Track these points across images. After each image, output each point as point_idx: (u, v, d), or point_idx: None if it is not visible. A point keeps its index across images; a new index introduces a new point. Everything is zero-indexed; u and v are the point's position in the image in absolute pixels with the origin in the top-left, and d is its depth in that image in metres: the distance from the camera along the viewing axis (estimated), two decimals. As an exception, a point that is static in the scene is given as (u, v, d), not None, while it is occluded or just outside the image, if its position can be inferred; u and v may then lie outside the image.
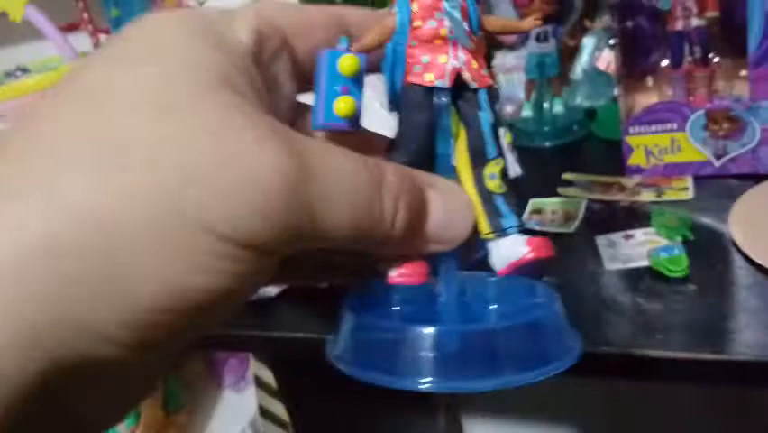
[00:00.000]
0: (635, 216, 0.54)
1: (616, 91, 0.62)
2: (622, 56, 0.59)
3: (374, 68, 0.24)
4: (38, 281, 0.16)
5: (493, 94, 0.24)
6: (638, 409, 0.94)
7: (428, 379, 0.21)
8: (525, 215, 0.56)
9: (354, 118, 0.23)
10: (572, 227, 0.54)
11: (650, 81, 0.61)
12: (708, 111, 0.55)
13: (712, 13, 0.56)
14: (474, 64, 0.23)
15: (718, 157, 0.57)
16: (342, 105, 0.23)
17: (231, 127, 0.18)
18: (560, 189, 0.60)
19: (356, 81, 0.23)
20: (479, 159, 0.24)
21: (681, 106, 0.57)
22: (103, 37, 0.85)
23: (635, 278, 0.46)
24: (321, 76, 0.23)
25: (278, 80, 0.23)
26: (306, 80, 0.24)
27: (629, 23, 0.59)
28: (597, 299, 0.45)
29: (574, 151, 0.70)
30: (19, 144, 0.17)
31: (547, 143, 0.71)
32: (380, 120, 0.27)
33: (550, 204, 0.57)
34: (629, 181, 0.59)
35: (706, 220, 0.51)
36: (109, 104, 0.18)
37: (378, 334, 0.23)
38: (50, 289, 0.16)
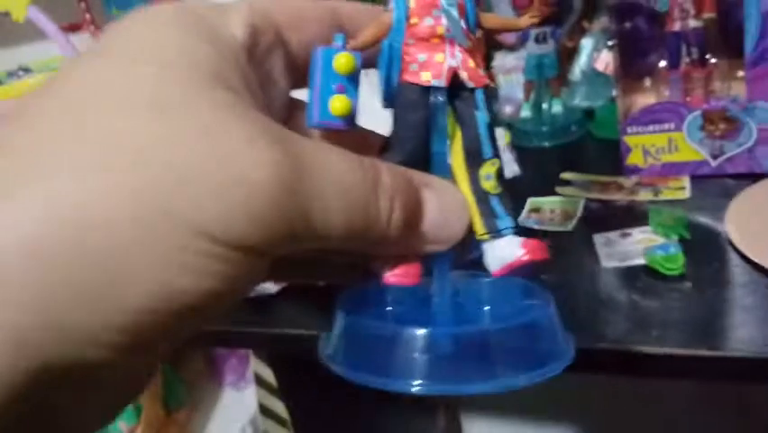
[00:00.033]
0: (632, 215, 0.54)
1: (614, 92, 0.62)
2: (620, 57, 0.59)
3: (370, 63, 0.24)
4: (20, 284, 0.15)
5: (490, 93, 0.24)
6: (637, 407, 0.94)
7: (420, 381, 0.21)
8: (524, 213, 0.56)
9: (350, 117, 0.23)
10: (570, 226, 0.54)
11: (648, 82, 0.62)
12: (705, 111, 0.56)
13: (709, 15, 0.57)
14: (471, 63, 0.23)
15: (715, 157, 0.57)
16: (338, 103, 0.22)
17: (224, 126, 0.17)
18: (558, 189, 0.60)
19: (352, 79, 0.23)
20: (474, 159, 0.23)
21: (678, 107, 0.57)
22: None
23: (631, 276, 0.46)
24: (316, 74, 0.22)
25: (272, 76, 0.23)
26: (300, 75, 0.24)
27: (627, 25, 0.60)
28: (594, 296, 0.45)
29: (573, 151, 0.70)
30: (4, 143, 0.17)
31: (546, 143, 0.71)
32: (380, 117, 0.27)
33: (548, 203, 0.58)
34: (627, 181, 0.59)
35: (702, 219, 0.52)
36: (101, 102, 0.17)
37: (370, 334, 0.22)
38: (33, 292, 0.15)
